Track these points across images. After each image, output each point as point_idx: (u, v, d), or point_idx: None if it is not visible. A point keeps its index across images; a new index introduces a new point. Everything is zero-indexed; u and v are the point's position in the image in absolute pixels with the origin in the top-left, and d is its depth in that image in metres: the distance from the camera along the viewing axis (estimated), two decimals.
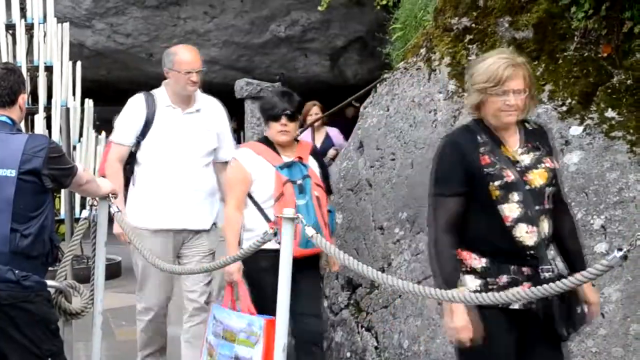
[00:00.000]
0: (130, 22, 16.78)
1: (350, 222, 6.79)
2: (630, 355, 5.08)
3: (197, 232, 6.39)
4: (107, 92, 17.26)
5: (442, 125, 6.43)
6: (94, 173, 10.64)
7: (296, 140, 6.15)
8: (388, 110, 6.97)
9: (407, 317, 6.12)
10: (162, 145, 6.25)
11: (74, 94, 11.93)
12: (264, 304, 5.53)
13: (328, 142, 11.34)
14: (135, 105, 6.31)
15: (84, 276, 6.88)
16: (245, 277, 5.82)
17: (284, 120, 5.91)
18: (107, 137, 11.92)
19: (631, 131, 5.72)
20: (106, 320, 7.16)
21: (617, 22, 6.05)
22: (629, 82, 5.89)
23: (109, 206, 5.53)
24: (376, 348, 6.29)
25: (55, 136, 11.32)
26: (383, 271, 4.66)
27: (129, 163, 6.31)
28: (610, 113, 5.82)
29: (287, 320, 4.80)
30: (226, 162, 6.30)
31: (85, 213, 5.68)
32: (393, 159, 6.66)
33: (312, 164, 6.03)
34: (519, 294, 4.00)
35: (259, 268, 5.68)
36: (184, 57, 6.26)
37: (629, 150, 5.67)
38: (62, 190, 10.74)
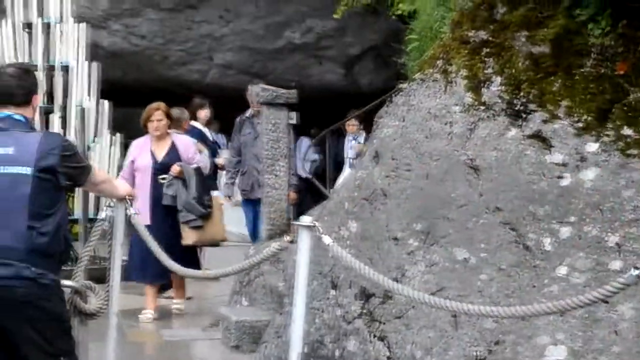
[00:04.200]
0: (145, 23, 16.85)
1: (365, 232, 6.79)
2: None
3: None
4: (121, 93, 17.33)
5: (458, 138, 6.45)
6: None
7: None
8: (404, 120, 6.98)
9: (421, 328, 6.11)
10: None
11: (89, 94, 12.00)
12: None
13: (173, 154, 9.71)
14: None
15: (96, 276, 6.89)
16: None
17: None
18: (123, 139, 12.01)
19: None
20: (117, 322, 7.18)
21: (634, 40, 6.08)
22: None
23: (126, 208, 5.58)
24: (389, 358, 6.28)
25: (71, 136, 11.38)
26: (397, 281, 4.67)
27: None
28: (626, 130, 5.84)
29: (302, 325, 4.77)
30: None
31: (102, 214, 5.74)
32: (408, 170, 6.66)
33: None
34: None
35: None
36: None
37: None
38: (77, 191, 10.82)
